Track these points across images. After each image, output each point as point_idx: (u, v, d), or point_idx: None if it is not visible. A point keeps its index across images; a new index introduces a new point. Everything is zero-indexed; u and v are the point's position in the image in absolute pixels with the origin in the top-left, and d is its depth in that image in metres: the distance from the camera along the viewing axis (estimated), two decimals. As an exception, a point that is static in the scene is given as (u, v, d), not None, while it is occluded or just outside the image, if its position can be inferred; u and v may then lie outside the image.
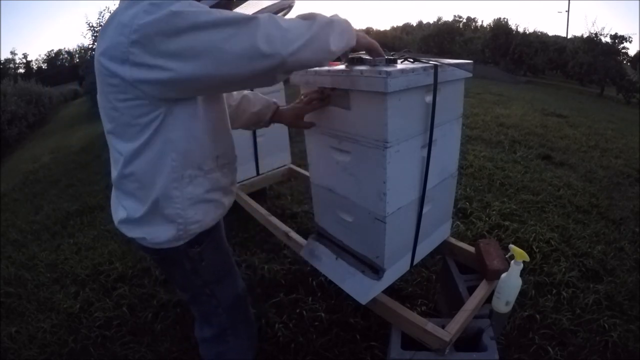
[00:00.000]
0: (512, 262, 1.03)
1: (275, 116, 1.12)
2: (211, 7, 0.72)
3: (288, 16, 1.00)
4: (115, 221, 0.90)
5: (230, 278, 1.04)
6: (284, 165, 2.43)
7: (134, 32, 0.65)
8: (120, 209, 0.86)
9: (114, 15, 0.72)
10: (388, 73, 0.84)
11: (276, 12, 0.97)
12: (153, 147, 0.77)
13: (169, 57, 0.66)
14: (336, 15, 0.80)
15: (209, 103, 0.83)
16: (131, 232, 0.86)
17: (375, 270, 1.09)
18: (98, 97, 0.79)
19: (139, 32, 0.65)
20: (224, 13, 0.67)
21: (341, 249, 1.21)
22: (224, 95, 1.06)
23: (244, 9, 0.89)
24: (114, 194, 0.90)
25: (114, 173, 0.84)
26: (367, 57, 0.96)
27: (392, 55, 0.98)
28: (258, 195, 2.35)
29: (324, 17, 0.76)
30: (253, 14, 0.70)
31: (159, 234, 0.84)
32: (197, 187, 0.84)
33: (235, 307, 1.04)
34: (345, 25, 0.79)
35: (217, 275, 0.98)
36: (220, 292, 1.00)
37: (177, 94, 0.74)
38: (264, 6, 0.95)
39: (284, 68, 0.71)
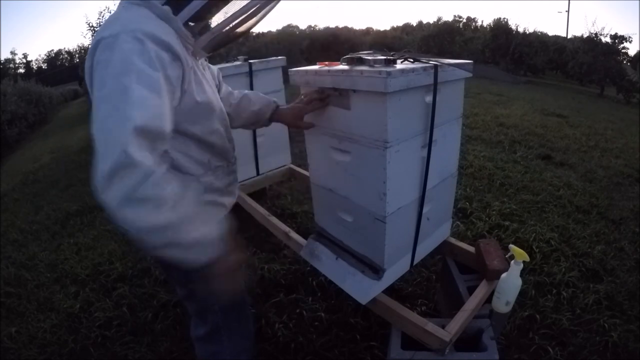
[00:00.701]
0: (512, 262, 1.03)
1: (275, 115, 1.12)
2: (200, 7, 0.75)
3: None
4: None
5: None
6: (284, 165, 2.42)
7: (92, 64, 0.70)
8: None
9: (103, 25, 0.76)
10: (388, 73, 0.84)
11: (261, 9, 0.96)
12: None
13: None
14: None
15: (193, 119, 0.84)
16: None
17: (375, 270, 1.09)
18: None
19: (93, 68, 0.70)
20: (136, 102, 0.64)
21: (341, 249, 1.21)
22: (225, 94, 1.06)
23: (231, 6, 0.89)
24: None
25: None
26: (368, 57, 0.96)
27: (392, 55, 0.98)
28: (258, 195, 2.35)
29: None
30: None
31: None
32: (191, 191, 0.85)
33: (232, 305, 1.04)
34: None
35: None
36: None
37: None
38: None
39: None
